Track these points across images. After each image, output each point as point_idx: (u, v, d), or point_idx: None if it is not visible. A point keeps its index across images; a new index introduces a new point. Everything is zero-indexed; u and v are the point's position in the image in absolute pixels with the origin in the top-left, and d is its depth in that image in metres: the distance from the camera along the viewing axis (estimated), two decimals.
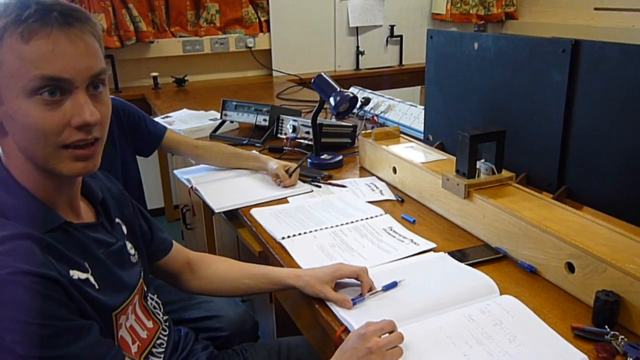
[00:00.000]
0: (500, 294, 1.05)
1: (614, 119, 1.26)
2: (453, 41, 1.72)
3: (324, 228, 1.36)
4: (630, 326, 0.95)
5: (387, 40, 4.02)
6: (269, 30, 3.67)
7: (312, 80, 1.76)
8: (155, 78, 3.40)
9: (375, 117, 2.30)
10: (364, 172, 1.78)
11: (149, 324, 1.03)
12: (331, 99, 1.71)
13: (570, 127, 1.38)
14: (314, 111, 1.80)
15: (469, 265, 1.16)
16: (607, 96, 1.27)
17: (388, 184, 1.65)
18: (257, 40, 3.66)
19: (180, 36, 3.51)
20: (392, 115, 2.29)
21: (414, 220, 1.40)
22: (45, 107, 0.79)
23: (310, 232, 1.34)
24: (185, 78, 3.47)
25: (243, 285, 1.19)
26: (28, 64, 0.77)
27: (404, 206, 1.51)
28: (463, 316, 0.97)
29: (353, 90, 2.66)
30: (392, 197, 1.55)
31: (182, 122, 2.38)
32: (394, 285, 1.07)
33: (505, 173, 1.34)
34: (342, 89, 1.73)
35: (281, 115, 2.07)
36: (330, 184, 1.67)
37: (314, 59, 3.81)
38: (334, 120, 2.01)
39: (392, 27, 3.97)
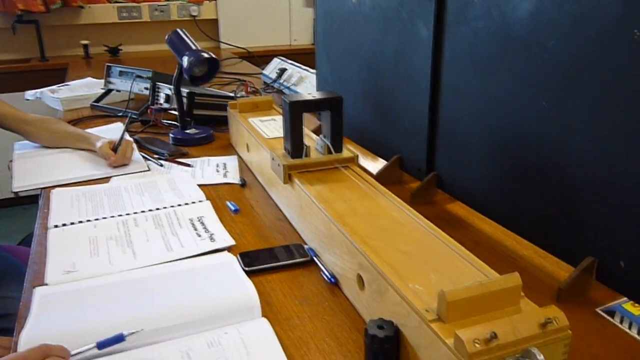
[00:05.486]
0: (263, 315, 0.76)
1: (482, 83, 0.96)
2: None
3: (119, 215, 1.08)
4: None
5: None
6: None
7: (167, 37, 1.47)
8: (85, 46, 3.13)
9: (248, 84, 1.98)
10: (232, 149, 1.49)
11: None
12: (184, 59, 1.41)
13: (439, 97, 1.08)
14: (174, 76, 1.50)
15: (256, 270, 0.87)
16: (475, 53, 0.96)
17: (245, 164, 1.37)
18: (202, 8, 3.36)
19: (116, 1, 3.22)
20: (302, 87, 1.99)
21: (237, 210, 1.11)
22: None
23: (97, 219, 1.06)
24: (119, 48, 3.19)
25: None
26: None
27: (243, 191, 1.22)
28: (180, 350, 0.68)
29: (277, 60, 2.36)
30: (236, 180, 1.26)
31: (70, 90, 2.10)
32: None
33: (346, 153, 1.04)
34: (200, 49, 1.44)
35: (158, 83, 1.77)
36: (175, 161, 1.38)
37: (266, 31, 3.50)
38: (213, 90, 1.71)
39: None
